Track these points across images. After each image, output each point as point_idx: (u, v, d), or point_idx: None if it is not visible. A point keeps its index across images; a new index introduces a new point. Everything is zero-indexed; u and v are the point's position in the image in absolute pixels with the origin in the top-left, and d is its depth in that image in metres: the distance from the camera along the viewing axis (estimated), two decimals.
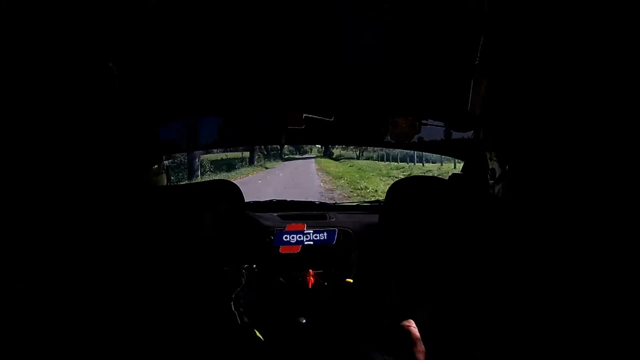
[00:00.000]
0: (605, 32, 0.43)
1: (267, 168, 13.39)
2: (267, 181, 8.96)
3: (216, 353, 0.54)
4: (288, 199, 1.70)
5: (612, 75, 0.34)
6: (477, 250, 0.32)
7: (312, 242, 1.42)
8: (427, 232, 0.38)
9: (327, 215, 1.53)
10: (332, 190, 7.48)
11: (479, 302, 0.31)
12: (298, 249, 1.42)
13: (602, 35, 0.41)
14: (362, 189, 7.54)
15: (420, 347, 0.60)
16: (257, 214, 1.50)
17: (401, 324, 0.64)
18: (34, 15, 0.56)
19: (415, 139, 1.19)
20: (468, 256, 0.33)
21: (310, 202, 1.70)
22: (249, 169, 12.64)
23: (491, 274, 0.31)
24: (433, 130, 1.23)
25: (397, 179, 0.58)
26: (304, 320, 1.34)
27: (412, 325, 0.64)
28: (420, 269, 0.39)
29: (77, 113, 0.72)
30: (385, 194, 0.54)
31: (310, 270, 1.44)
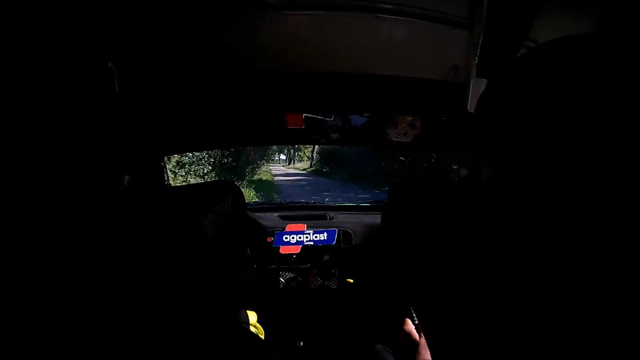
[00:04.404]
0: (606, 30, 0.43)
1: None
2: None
3: (218, 354, 0.54)
4: (288, 200, 1.70)
5: (613, 74, 0.34)
6: (482, 250, 0.32)
7: (312, 242, 1.43)
8: (432, 231, 0.38)
9: (327, 216, 1.53)
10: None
11: (484, 303, 0.31)
12: (298, 249, 1.42)
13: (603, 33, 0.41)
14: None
15: (424, 345, 0.61)
16: (257, 214, 1.50)
17: (404, 326, 0.64)
18: (34, 15, 0.56)
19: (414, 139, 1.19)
20: (473, 257, 0.33)
21: (310, 202, 1.70)
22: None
23: (497, 275, 0.31)
24: (433, 130, 1.23)
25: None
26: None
27: (411, 326, 0.65)
28: (424, 268, 0.39)
29: (77, 113, 0.71)
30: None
31: (311, 270, 1.44)
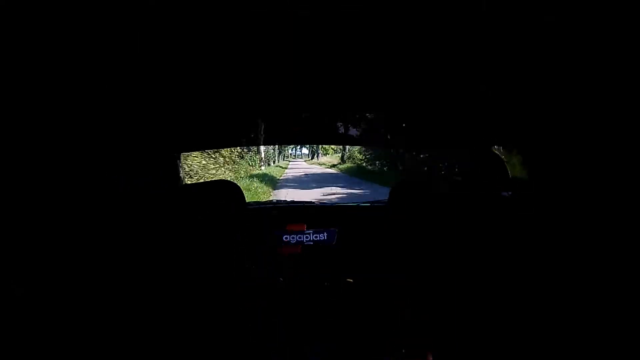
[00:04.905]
0: (606, 30, 0.43)
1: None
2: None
3: (219, 349, 0.54)
4: (288, 200, 1.70)
5: (612, 74, 0.34)
6: (482, 249, 0.32)
7: (312, 242, 1.43)
8: (432, 231, 0.38)
9: (327, 216, 1.53)
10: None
11: (485, 301, 0.32)
12: (298, 249, 1.42)
13: (603, 33, 0.41)
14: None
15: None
16: (257, 214, 1.50)
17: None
18: (35, 15, 0.56)
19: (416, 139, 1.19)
20: (473, 255, 0.33)
21: (310, 202, 1.70)
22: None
23: (497, 274, 0.31)
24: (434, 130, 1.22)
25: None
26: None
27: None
28: (425, 267, 0.39)
29: (80, 113, 0.71)
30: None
31: (311, 270, 1.44)
